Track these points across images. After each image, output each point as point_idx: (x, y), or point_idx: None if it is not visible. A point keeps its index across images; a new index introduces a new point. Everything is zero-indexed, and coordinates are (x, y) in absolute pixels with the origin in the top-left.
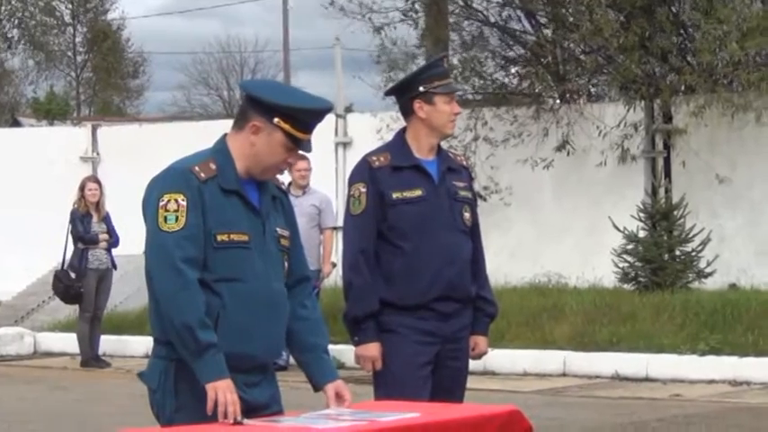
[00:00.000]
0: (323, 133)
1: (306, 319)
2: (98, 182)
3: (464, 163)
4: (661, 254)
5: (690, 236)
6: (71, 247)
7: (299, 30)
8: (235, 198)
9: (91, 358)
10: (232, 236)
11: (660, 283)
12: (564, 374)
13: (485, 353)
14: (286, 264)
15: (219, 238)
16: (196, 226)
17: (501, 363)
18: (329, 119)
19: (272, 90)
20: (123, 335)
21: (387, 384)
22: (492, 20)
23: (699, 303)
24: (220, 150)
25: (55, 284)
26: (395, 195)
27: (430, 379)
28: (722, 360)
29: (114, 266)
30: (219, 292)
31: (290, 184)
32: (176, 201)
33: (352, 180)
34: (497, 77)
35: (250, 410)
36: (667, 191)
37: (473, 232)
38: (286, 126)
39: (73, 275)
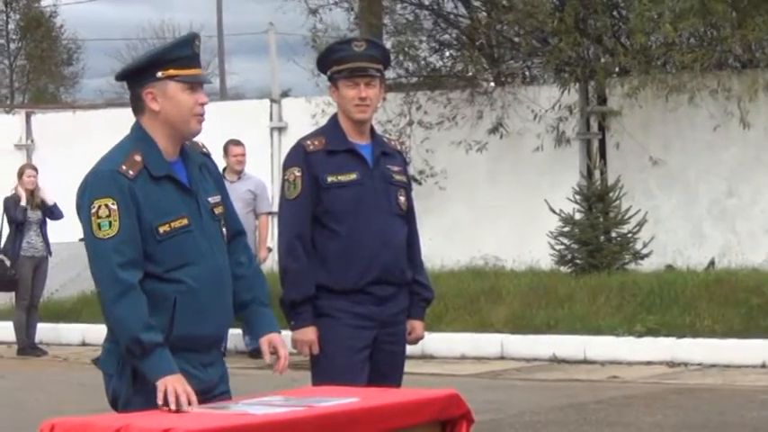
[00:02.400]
0: (258, 118)
1: (242, 277)
2: (36, 169)
3: (398, 147)
4: (597, 236)
5: (626, 217)
6: (6, 236)
7: (232, 14)
8: (166, 183)
9: (27, 346)
10: (173, 224)
11: (597, 265)
12: (502, 357)
13: (421, 337)
14: (224, 230)
15: (162, 229)
16: (131, 227)
17: (439, 347)
18: (264, 104)
19: (137, 58)
20: (59, 323)
21: (324, 369)
22: (426, 3)
23: (635, 285)
24: (140, 138)
25: None
26: (329, 179)
27: (367, 363)
28: (659, 341)
29: (49, 253)
30: (171, 280)
31: (224, 169)
32: (107, 206)
33: (287, 164)
34: (431, 61)
35: (205, 390)
36: (603, 173)
37: (408, 216)
38: (170, 71)
39: (7, 262)
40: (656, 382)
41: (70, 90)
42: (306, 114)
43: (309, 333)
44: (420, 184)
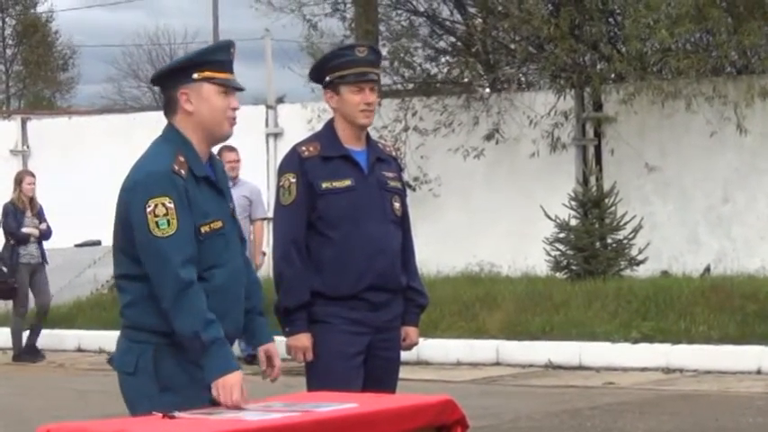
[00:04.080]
0: (253, 124)
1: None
2: (34, 176)
3: (393, 153)
4: (593, 242)
5: (621, 223)
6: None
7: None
8: (204, 184)
9: (25, 350)
10: (212, 225)
11: (592, 271)
12: (497, 363)
13: (416, 343)
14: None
15: (203, 230)
16: (188, 225)
17: (434, 352)
18: (260, 110)
19: (174, 60)
20: (54, 329)
21: (318, 375)
22: (421, 10)
23: (631, 291)
24: (177, 140)
25: None
26: (324, 185)
27: (362, 369)
28: (655, 347)
29: (45, 261)
30: (203, 279)
31: None
32: (164, 204)
33: (282, 170)
34: (427, 67)
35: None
36: (598, 179)
37: (403, 222)
38: (206, 73)
39: (4, 270)
40: (651, 388)
41: (66, 96)
42: (301, 120)
43: (304, 339)
44: (415, 190)
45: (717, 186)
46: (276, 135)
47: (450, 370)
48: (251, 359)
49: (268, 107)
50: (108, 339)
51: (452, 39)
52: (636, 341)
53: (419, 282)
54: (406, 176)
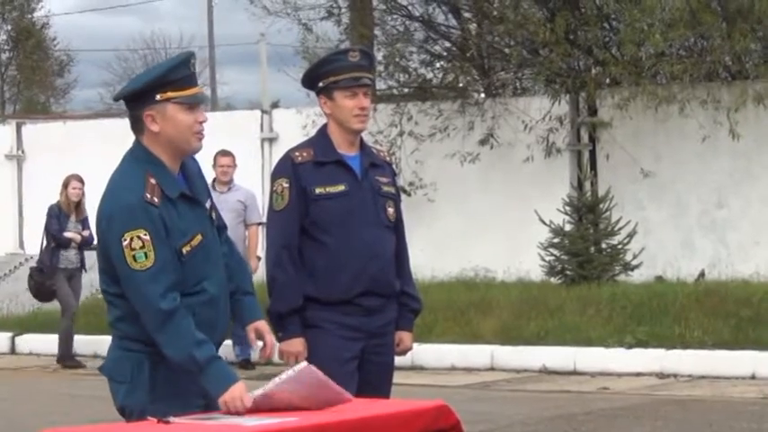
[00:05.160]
0: (248, 129)
1: (226, 267)
2: (82, 181)
3: (387, 158)
4: (587, 247)
5: (616, 229)
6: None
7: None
8: (180, 202)
9: (67, 358)
10: (192, 243)
11: (587, 276)
12: (492, 369)
13: (409, 348)
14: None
15: (185, 250)
16: (166, 254)
17: (429, 358)
18: (255, 115)
19: (135, 80)
20: (48, 333)
21: None
22: (416, 14)
23: (625, 296)
24: (145, 158)
25: (29, 281)
26: (318, 190)
27: (356, 374)
28: (649, 353)
29: (84, 268)
30: (192, 293)
31: (214, 180)
32: (139, 237)
33: (275, 175)
34: (422, 72)
35: (207, 396)
36: (593, 184)
37: (396, 228)
38: (168, 94)
39: (44, 270)
40: (645, 393)
41: (61, 101)
42: (296, 125)
43: (297, 344)
44: (410, 195)
45: (711, 191)
46: (271, 140)
47: (444, 375)
48: (246, 364)
49: (263, 112)
50: (102, 344)
51: (447, 43)
52: (630, 346)
53: (413, 287)
54: (401, 181)
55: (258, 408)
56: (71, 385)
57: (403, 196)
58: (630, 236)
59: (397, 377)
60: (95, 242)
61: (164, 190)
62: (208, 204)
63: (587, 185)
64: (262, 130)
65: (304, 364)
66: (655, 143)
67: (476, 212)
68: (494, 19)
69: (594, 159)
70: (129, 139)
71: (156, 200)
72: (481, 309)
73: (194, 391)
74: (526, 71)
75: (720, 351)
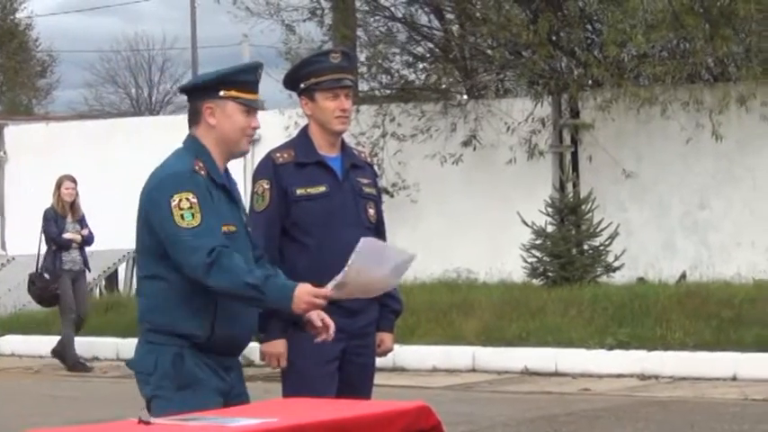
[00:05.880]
0: None
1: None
2: (75, 181)
3: (368, 159)
4: (569, 248)
5: (597, 230)
6: (44, 248)
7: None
8: (221, 192)
9: (77, 362)
10: (229, 227)
11: (568, 277)
12: (473, 370)
13: (390, 349)
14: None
15: (223, 229)
16: (211, 219)
17: (410, 359)
18: None
19: (206, 74)
20: (30, 335)
21: (293, 382)
22: (399, 15)
23: (607, 297)
24: (196, 148)
25: (30, 287)
26: (299, 191)
27: (336, 375)
28: (630, 354)
29: (88, 268)
30: None
31: None
32: (188, 199)
33: (256, 176)
34: (405, 74)
35: (226, 394)
36: (575, 185)
37: (377, 229)
38: (232, 92)
39: (47, 277)
40: (626, 394)
41: (43, 102)
42: (279, 127)
43: (278, 346)
44: (392, 196)
45: (693, 193)
46: (253, 141)
47: (426, 376)
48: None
49: None
50: (83, 345)
51: (430, 45)
52: (611, 348)
53: (395, 288)
54: (383, 182)
55: (338, 296)
56: (53, 386)
57: (386, 197)
58: (612, 237)
59: (379, 378)
60: (94, 241)
61: (210, 173)
62: (245, 217)
63: (569, 187)
64: None
65: (363, 241)
66: (637, 144)
67: (458, 214)
68: (476, 20)
69: (577, 161)
70: (111, 140)
71: (203, 173)
72: (463, 310)
73: (215, 388)
74: (509, 73)
75: (702, 352)
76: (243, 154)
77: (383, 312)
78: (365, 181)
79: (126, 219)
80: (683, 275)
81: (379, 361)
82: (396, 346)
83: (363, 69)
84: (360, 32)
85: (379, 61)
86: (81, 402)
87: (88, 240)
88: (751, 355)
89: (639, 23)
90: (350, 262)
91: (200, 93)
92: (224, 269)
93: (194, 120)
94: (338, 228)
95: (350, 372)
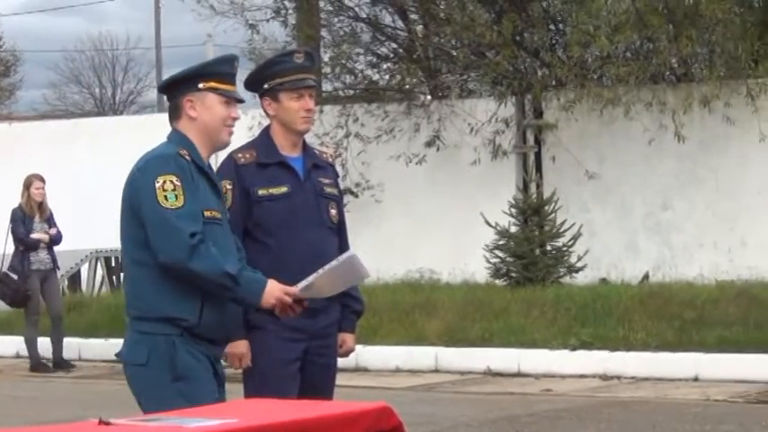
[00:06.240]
0: None
1: None
2: (43, 180)
3: (330, 160)
4: (532, 249)
5: (561, 231)
6: (11, 248)
7: (170, 26)
8: (204, 178)
9: (39, 362)
10: (213, 212)
11: (532, 278)
12: (436, 370)
13: (352, 350)
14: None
15: (206, 214)
16: (193, 202)
17: (373, 359)
18: None
19: (183, 68)
20: None
21: (255, 382)
22: (363, 16)
23: (570, 298)
24: (180, 140)
25: (0, 289)
26: (261, 192)
27: (298, 376)
28: (593, 354)
29: (57, 267)
30: None
31: None
32: (171, 181)
33: (219, 177)
34: (368, 74)
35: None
36: (538, 186)
37: (339, 229)
38: (211, 84)
39: (15, 277)
40: (589, 395)
41: (6, 102)
42: (242, 127)
43: (241, 346)
44: (356, 196)
45: (656, 194)
46: None
47: (388, 377)
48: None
49: None
50: (45, 346)
51: (394, 45)
52: (574, 348)
53: (356, 288)
54: (347, 183)
55: (303, 295)
56: (13, 387)
57: (350, 198)
58: (575, 238)
59: (342, 379)
60: (62, 240)
61: (194, 160)
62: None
63: (533, 187)
64: None
65: (347, 254)
66: (600, 145)
67: (422, 214)
68: (440, 21)
69: (540, 161)
70: (75, 140)
71: (188, 158)
72: (426, 310)
73: (211, 378)
74: (472, 73)
75: (664, 353)
76: (224, 145)
77: (345, 313)
78: (327, 181)
79: (88, 219)
80: (646, 276)
81: (341, 361)
82: (358, 347)
83: (327, 69)
84: (324, 32)
85: (343, 61)
86: (42, 403)
87: (56, 240)
88: (713, 355)
89: (603, 24)
90: (328, 268)
91: (179, 87)
92: (205, 254)
93: (175, 114)
94: (300, 228)
95: (312, 372)
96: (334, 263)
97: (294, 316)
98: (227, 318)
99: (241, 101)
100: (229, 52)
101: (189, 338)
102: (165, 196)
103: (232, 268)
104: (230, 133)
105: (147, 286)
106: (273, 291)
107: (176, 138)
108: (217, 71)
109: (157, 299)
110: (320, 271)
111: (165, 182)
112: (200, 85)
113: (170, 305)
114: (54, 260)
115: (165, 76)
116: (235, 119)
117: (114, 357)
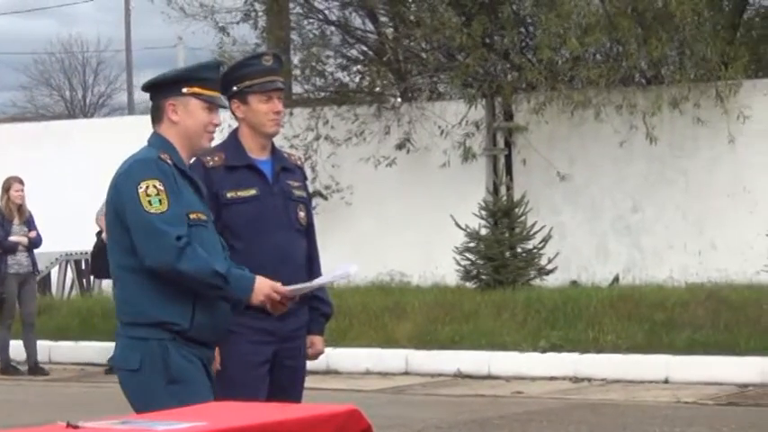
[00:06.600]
0: None
1: None
2: (23, 182)
3: (298, 162)
4: (503, 251)
5: (531, 233)
6: None
7: (140, 28)
8: (187, 182)
9: (9, 365)
10: (199, 215)
11: (502, 280)
12: (406, 373)
13: (321, 352)
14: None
15: (191, 216)
16: (177, 206)
17: (343, 361)
18: None
19: (168, 71)
20: None
21: (224, 385)
22: (333, 18)
23: (540, 300)
24: (161, 144)
25: None
26: (229, 195)
27: (267, 378)
28: (563, 357)
29: (36, 270)
30: None
31: None
32: (155, 186)
33: None
34: (339, 77)
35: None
36: (509, 188)
37: (308, 231)
38: (194, 89)
39: None
40: (559, 397)
41: None
42: None
43: None
44: (326, 199)
45: (626, 196)
46: None
47: (358, 379)
48: None
49: None
50: (17, 349)
51: (364, 48)
52: (544, 350)
53: (324, 291)
54: (317, 185)
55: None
56: None
57: (319, 200)
58: (545, 240)
59: (312, 381)
60: (42, 243)
61: (176, 163)
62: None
63: (503, 190)
64: None
65: (346, 270)
66: (570, 147)
67: (392, 217)
68: (410, 23)
69: (510, 164)
70: (44, 143)
71: (169, 162)
72: (396, 313)
73: (204, 380)
74: (442, 75)
75: (634, 355)
76: (204, 150)
77: (313, 315)
78: (295, 184)
79: (58, 222)
80: (616, 279)
81: (312, 363)
82: (329, 349)
83: (297, 72)
84: (294, 35)
85: (313, 64)
86: (11, 406)
87: (36, 242)
88: (683, 357)
89: (573, 27)
90: (323, 280)
91: (162, 90)
92: (192, 255)
93: (157, 117)
94: (268, 231)
95: (280, 375)
96: (330, 277)
97: (284, 311)
98: (219, 320)
99: (224, 106)
100: (213, 58)
101: (181, 342)
102: (149, 201)
103: (221, 267)
104: (211, 139)
105: (136, 291)
106: (263, 287)
107: (157, 141)
108: (201, 76)
109: (148, 304)
110: (314, 282)
111: (148, 187)
112: (184, 90)
113: (161, 310)
114: (34, 263)
115: (136, 78)
116: (216, 125)
117: (107, 363)
